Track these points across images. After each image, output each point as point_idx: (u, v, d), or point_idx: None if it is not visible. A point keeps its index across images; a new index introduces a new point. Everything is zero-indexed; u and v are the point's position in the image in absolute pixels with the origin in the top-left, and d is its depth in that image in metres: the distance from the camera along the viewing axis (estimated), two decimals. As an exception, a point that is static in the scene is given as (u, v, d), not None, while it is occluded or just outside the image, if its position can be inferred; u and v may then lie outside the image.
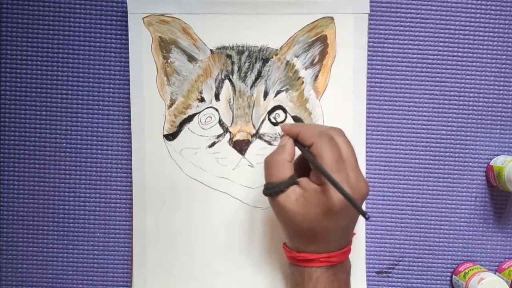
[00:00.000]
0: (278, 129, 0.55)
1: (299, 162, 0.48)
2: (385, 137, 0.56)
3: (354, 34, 0.54)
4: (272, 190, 0.46)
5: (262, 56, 0.55)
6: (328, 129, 0.47)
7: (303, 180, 0.46)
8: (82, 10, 0.55)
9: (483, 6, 0.55)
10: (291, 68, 0.55)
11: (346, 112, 0.55)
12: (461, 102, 0.56)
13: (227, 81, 0.55)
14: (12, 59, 0.55)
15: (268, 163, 0.47)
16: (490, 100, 0.56)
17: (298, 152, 0.48)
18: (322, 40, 0.55)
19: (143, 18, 0.54)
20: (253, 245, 0.56)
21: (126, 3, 0.54)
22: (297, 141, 0.48)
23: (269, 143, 0.55)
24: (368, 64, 0.55)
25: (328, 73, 0.55)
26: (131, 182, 0.55)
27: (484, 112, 0.56)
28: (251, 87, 0.55)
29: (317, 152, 0.45)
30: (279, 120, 0.55)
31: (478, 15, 0.55)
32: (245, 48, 0.55)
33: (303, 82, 0.55)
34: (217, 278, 0.55)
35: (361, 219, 0.55)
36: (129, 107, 0.55)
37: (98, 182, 0.56)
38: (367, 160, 0.55)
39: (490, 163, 0.56)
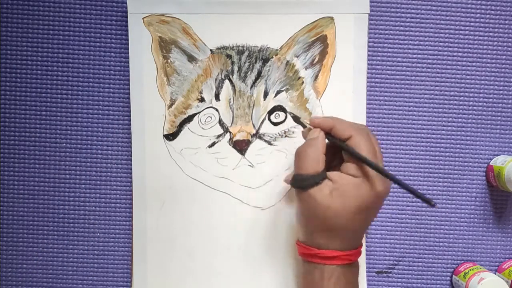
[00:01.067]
0: (278, 129, 0.55)
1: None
2: (385, 137, 0.56)
3: (354, 34, 0.54)
4: (306, 182, 0.45)
5: (262, 56, 0.55)
6: (362, 125, 0.49)
7: (335, 174, 0.45)
8: (82, 10, 0.55)
9: (483, 6, 0.55)
10: (291, 68, 0.55)
11: (346, 112, 0.55)
12: (461, 102, 0.56)
13: (227, 81, 0.54)
14: (12, 59, 0.55)
15: (301, 155, 0.46)
16: (490, 100, 0.56)
17: None
18: (322, 40, 0.55)
19: (143, 18, 0.54)
20: (253, 245, 0.56)
21: (126, 3, 0.54)
22: (328, 134, 0.47)
23: (269, 143, 0.55)
24: (368, 64, 0.55)
25: (328, 73, 0.55)
26: (131, 182, 0.55)
27: (484, 112, 0.56)
28: (251, 87, 0.55)
29: (356, 145, 0.45)
30: (279, 120, 0.55)
31: (478, 15, 0.55)
32: (245, 48, 0.55)
33: (303, 82, 0.55)
34: (217, 278, 0.55)
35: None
36: (129, 107, 0.55)
37: (98, 182, 0.56)
38: (367, 160, 0.56)
39: (490, 163, 0.56)
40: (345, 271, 0.46)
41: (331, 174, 0.45)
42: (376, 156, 0.45)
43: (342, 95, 0.55)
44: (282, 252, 0.55)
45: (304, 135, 0.50)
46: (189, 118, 0.55)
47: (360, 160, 0.44)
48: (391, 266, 0.57)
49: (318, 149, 0.46)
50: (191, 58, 0.55)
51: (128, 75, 0.55)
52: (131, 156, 0.55)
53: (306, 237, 0.48)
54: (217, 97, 0.55)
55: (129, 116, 0.55)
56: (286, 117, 0.55)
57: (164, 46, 0.54)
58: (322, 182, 0.45)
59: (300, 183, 0.45)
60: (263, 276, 0.55)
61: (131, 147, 0.55)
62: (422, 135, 0.56)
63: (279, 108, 0.55)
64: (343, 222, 0.45)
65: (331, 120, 0.47)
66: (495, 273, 0.56)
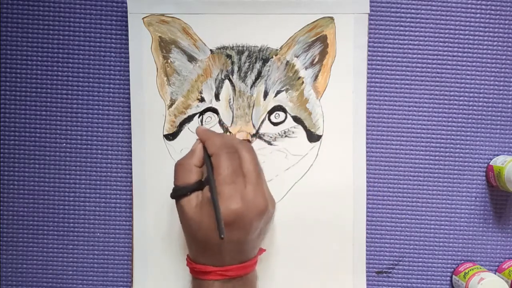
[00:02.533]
0: (278, 129, 0.55)
1: None
2: (385, 137, 0.56)
3: (354, 34, 0.54)
4: (177, 193, 0.47)
5: (262, 56, 0.55)
6: (235, 142, 0.48)
7: (206, 188, 0.46)
8: (82, 10, 0.55)
9: (483, 6, 0.55)
10: (291, 68, 0.55)
11: (346, 112, 0.55)
12: (461, 102, 0.56)
13: (227, 81, 0.54)
14: (12, 59, 0.55)
15: (177, 166, 0.48)
16: (490, 100, 0.56)
17: None
18: (322, 40, 0.55)
19: (143, 18, 0.54)
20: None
21: (126, 3, 0.54)
22: (205, 148, 0.49)
23: (269, 143, 0.55)
24: (368, 64, 0.55)
25: (328, 73, 0.55)
26: (131, 182, 0.55)
27: (484, 112, 0.56)
28: (251, 87, 0.55)
29: (215, 163, 0.46)
30: (279, 120, 0.55)
31: (478, 15, 0.55)
32: (245, 48, 0.55)
33: (303, 82, 0.55)
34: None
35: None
36: (129, 107, 0.55)
37: (98, 182, 0.56)
38: (367, 160, 0.55)
39: (490, 163, 0.56)
40: (223, 286, 0.45)
41: (207, 187, 0.46)
42: (242, 175, 0.45)
43: (342, 95, 0.55)
44: (282, 250, 0.55)
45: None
46: (189, 118, 0.55)
47: (207, 177, 0.45)
48: (391, 266, 0.57)
49: (192, 161, 0.47)
50: (191, 58, 0.55)
51: (128, 75, 0.55)
52: (131, 156, 0.55)
53: (188, 250, 0.49)
54: (217, 97, 0.55)
55: (129, 116, 0.55)
56: (286, 117, 0.55)
57: (164, 46, 0.54)
58: (192, 194, 0.46)
59: (174, 193, 0.47)
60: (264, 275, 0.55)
61: (131, 147, 0.55)
62: (422, 135, 0.56)
63: (279, 108, 0.55)
64: (205, 236, 0.45)
65: (207, 134, 0.49)
66: (495, 273, 0.56)
